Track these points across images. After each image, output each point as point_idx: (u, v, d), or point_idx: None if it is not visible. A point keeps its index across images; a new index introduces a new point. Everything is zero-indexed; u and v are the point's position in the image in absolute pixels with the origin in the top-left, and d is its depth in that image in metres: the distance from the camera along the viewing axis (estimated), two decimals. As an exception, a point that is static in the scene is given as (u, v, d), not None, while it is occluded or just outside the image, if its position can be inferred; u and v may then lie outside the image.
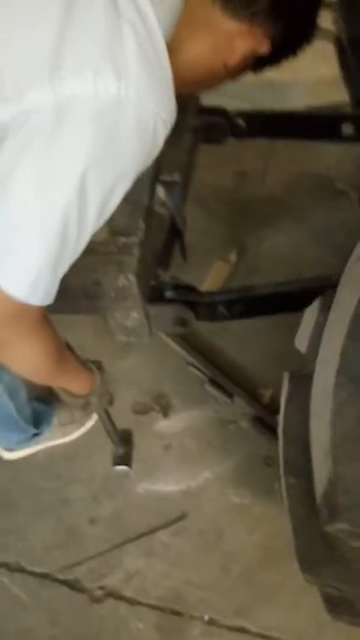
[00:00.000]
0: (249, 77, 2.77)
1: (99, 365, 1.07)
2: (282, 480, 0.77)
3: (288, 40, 0.83)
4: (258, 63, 0.86)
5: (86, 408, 1.05)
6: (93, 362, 1.06)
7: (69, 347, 0.98)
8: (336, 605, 0.95)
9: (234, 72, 0.87)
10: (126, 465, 1.17)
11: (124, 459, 1.18)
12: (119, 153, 0.67)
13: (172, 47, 0.75)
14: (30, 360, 0.80)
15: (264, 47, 0.81)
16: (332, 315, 0.61)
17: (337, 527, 0.57)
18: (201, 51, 0.80)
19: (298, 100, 2.70)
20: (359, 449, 0.54)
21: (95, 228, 0.71)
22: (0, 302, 0.68)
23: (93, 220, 0.70)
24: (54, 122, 0.64)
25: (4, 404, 1.24)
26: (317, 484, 0.61)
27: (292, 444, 0.73)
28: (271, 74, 2.95)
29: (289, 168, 2.26)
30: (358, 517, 0.55)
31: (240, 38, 0.79)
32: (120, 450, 1.18)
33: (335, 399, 0.56)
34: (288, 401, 0.74)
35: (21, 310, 0.70)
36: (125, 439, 1.20)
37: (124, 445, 1.19)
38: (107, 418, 1.15)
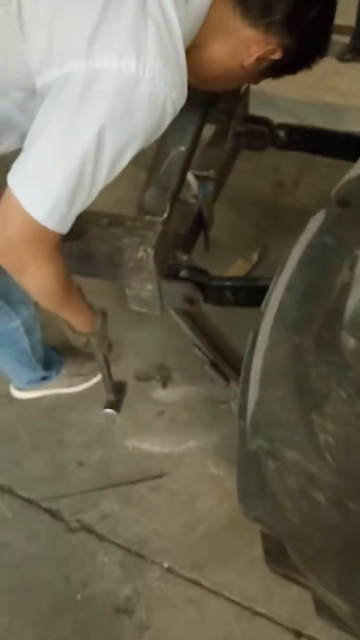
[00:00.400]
0: (304, 97, 2.89)
1: (103, 312, 1.22)
2: (235, 423, 0.89)
3: (301, 50, 0.95)
4: (276, 70, 0.99)
5: (86, 347, 1.20)
6: (101, 309, 1.21)
7: (79, 289, 1.13)
8: (273, 555, 1.07)
9: (251, 75, 1.01)
10: (115, 410, 1.31)
11: (114, 405, 1.32)
12: (131, 120, 0.82)
13: (197, 45, 0.90)
14: (43, 281, 0.95)
15: (277, 55, 0.94)
16: (281, 275, 0.74)
17: (257, 444, 0.69)
18: (220, 51, 0.94)
19: (348, 125, 2.81)
20: (282, 379, 0.66)
21: (107, 180, 0.87)
22: (24, 223, 0.84)
23: (105, 172, 0.85)
24: (84, 87, 0.79)
25: (20, 337, 1.41)
26: (248, 409, 0.73)
27: (245, 393, 0.86)
28: (326, 97, 3.08)
29: (324, 185, 2.37)
30: (273, 435, 0.67)
31: (256, 44, 0.92)
32: (112, 397, 1.32)
33: (270, 339, 0.68)
34: (248, 354, 0.87)
35: (39, 233, 0.85)
36: (118, 388, 1.34)
37: (116, 393, 1.33)
38: (104, 363, 1.29)
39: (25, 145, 0.85)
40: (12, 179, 0.84)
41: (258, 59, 0.95)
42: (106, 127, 0.80)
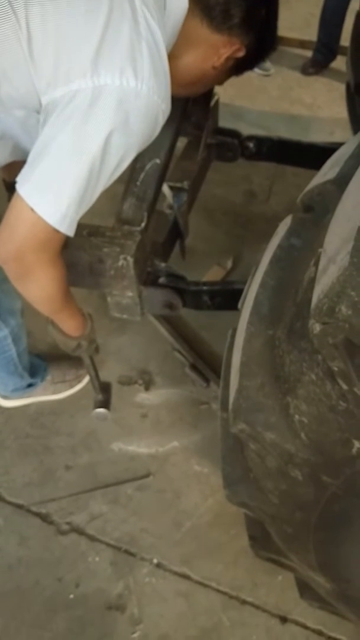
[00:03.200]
0: (271, 109, 2.99)
1: (90, 317, 1.27)
2: (218, 416, 0.96)
3: (258, 45, 1.10)
4: (239, 67, 1.14)
5: (75, 351, 1.24)
6: (87, 313, 1.27)
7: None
8: (257, 540, 1.13)
9: (221, 75, 1.14)
10: (105, 408, 1.37)
11: (104, 403, 1.37)
12: (132, 129, 0.90)
13: (173, 55, 1.00)
14: (47, 285, 1.00)
15: (241, 52, 1.08)
16: (255, 275, 0.81)
17: (239, 427, 0.75)
18: (194, 58, 1.06)
19: (313, 136, 2.95)
20: (260, 368, 0.72)
21: (107, 184, 0.94)
22: (35, 230, 0.89)
23: (107, 176, 0.92)
24: (91, 101, 0.87)
25: (8, 347, 1.45)
26: (230, 398, 0.80)
27: (226, 387, 0.93)
28: (291, 109, 3.21)
29: (293, 192, 2.48)
30: (254, 419, 0.73)
31: (223, 47, 1.06)
32: (100, 397, 1.37)
33: (247, 332, 0.75)
34: (228, 349, 0.94)
35: (49, 237, 0.91)
36: (104, 388, 1.39)
37: (104, 393, 1.38)
38: (92, 364, 1.34)
39: (33, 155, 0.91)
40: (22, 188, 0.89)
41: (226, 58, 1.08)
42: (111, 136, 0.88)
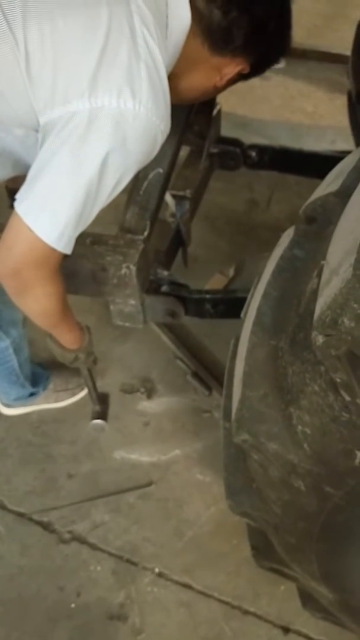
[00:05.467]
0: (273, 118, 3.00)
1: (88, 329, 1.28)
2: (221, 425, 0.96)
3: (265, 58, 1.09)
4: (246, 77, 1.13)
5: (73, 363, 1.25)
6: (85, 325, 1.27)
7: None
8: (260, 550, 1.13)
9: (222, 89, 1.15)
10: (102, 419, 1.37)
11: (101, 415, 1.37)
12: (129, 150, 0.91)
13: (175, 74, 1.01)
14: (44, 301, 1.01)
15: (245, 70, 1.08)
16: (258, 285, 0.81)
17: (241, 438, 0.75)
18: (196, 79, 1.07)
19: (316, 145, 2.96)
20: (263, 378, 0.73)
21: (105, 203, 0.95)
22: (32, 248, 0.90)
23: (105, 197, 0.93)
24: (88, 123, 0.87)
25: (9, 357, 1.45)
26: (232, 408, 0.80)
27: (229, 396, 0.93)
28: (293, 118, 3.22)
29: (295, 201, 2.49)
30: (257, 429, 0.73)
31: (225, 67, 1.06)
32: (98, 407, 1.38)
33: (249, 342, 0.75)
34: (231, 359, 0.94)
35: (47, 255, 0.92)
36: (102, 399, 1.40)
37: (101, 404, 1.39)
38: (89, 376, 1.35)
39: (31, 175, 0.92)
40: (20, 207, 0.90)
41: (230, 78, 1.09)
42: (108, 157, 0.89)
